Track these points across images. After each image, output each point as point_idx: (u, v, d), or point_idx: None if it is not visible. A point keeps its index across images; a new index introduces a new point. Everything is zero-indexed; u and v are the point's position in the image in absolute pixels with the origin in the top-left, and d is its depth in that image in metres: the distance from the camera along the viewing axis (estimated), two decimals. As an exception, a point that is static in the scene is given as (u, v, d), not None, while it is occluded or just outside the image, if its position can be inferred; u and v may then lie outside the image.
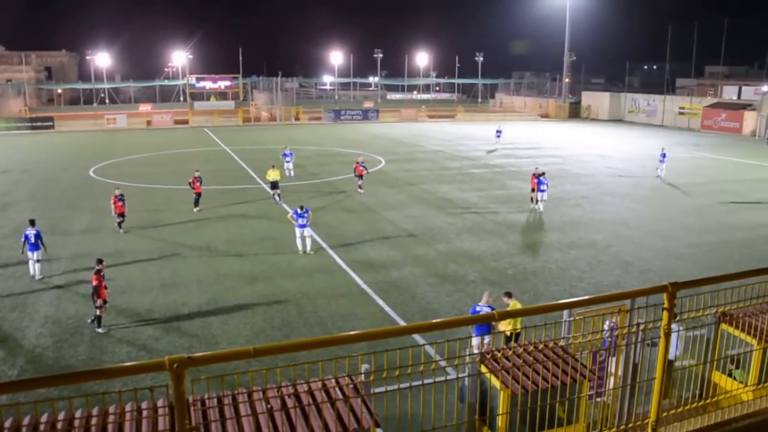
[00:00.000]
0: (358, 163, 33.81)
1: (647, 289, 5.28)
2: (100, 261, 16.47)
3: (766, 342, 7.53)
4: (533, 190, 29.34)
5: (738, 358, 7.92)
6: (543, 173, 29.28)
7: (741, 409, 6.34)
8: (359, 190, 33.10)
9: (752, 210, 29.69)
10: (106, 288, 16.12)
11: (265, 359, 3.95)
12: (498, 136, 55.31)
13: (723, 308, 7.07)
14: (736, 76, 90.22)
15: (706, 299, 6.43)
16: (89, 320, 16.18)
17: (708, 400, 6.62)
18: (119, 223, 25.15)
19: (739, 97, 76.74)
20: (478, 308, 13.65)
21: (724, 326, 7.74)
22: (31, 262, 19.65)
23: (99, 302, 15.76)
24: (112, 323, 16.17)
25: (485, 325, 12.84)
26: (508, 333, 12.56)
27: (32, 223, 20.19)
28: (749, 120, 67.23)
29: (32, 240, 19.54)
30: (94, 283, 15.80)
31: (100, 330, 15.76)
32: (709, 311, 7.20)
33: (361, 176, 33.27)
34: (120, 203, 24.99)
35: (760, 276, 6.05)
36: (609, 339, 7.10)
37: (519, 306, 13.69)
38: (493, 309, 13.50)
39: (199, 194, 28.77)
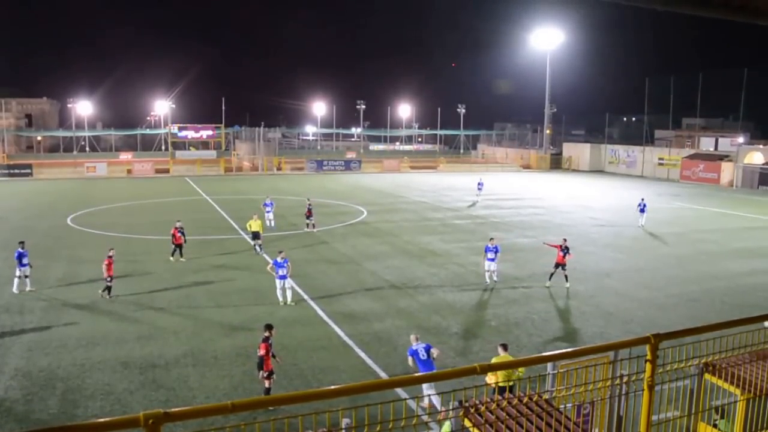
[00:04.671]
0: (308, 204, 37.51)
1: (630, 341, 5.25)
2: (269, 327, 14.82)
3: (750, 392, 7.49)
4: (560, 265, 24.20)
5: (723, 409, 7.86)
6: (491, 238, 26.09)
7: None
8: (310, 228, 36.31)
9: (732, 259, 29.97)
10: (274, 357, 14.58)
11: (243, 413, 3.84)
12: (480, 189, 53.70)
13: (706, 359, 7.04)
14: (713, 127, 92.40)
15: (689, 350, 6.40)
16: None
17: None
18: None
19: (716, 148, 78.50)
20: (414, 347, 13.96)
21: (707, 376, 7.69)
22: (18, 279, 23.13)
23: (263, 374, 14.33)
24: (86, 374, 15.80)
25: (429, 362, 13.55)
26: (493, 384, 12.11)
27: (21, 245, 23.58)
28: (726, 171, 68.55)
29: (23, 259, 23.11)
30: (261, 352, 14.36)
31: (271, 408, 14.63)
32: (692, 362, 7.18)
33: (309, 216, 36.70)
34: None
35: (743, 326, 6.04)
36: None
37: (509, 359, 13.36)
38: (429, 347, 13.98)
39: (178, 245, 28.46)
